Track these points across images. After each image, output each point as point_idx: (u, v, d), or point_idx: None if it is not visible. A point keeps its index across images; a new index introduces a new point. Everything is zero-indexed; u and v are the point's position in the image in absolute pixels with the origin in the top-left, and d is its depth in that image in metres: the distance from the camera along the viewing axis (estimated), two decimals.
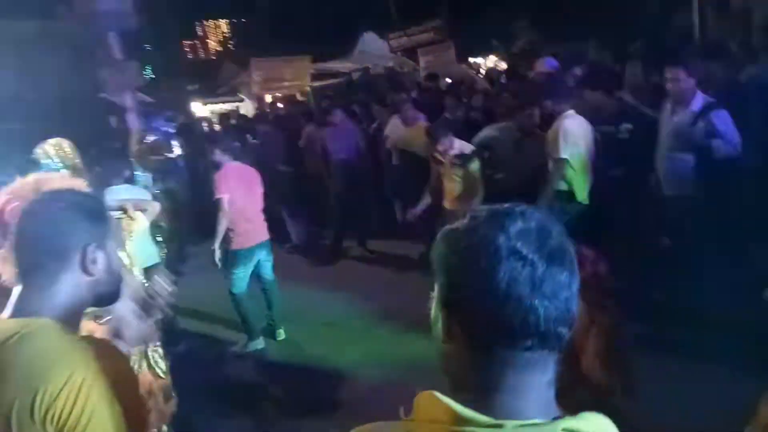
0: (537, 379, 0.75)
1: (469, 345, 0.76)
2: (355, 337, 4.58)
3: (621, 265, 4.31)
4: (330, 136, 6.61)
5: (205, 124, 10.97)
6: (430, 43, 12.43)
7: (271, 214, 7.18)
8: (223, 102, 13.61)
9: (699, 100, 3.72)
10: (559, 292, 0.72)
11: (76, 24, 8.09)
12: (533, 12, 13.84)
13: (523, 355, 0.73)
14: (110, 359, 1.19)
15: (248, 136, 7.73)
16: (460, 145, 4.86)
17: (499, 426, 0.70)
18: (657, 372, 3.17)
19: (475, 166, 4.77)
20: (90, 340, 1.27)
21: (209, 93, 14.59)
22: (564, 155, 4.00)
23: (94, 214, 1.28)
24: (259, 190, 4.71)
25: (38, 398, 1.07)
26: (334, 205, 6.67)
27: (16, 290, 1.22)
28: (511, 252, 0.72)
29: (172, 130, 6.79)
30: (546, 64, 6.02)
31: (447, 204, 4.98)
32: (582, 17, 11.47)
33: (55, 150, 3.05)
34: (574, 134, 4.02)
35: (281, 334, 4.74)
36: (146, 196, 3.76)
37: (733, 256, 3.68)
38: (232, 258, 4.52)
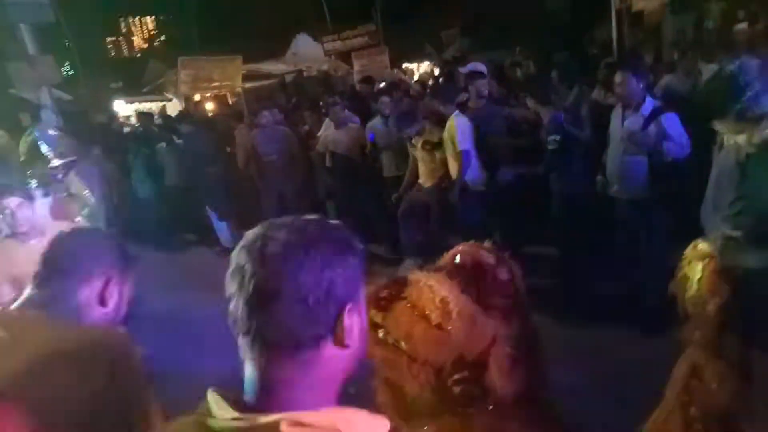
0: (262, 373, 0.84)
1: None
2: None
3: (563, 265, 4.57)
4: (260, 137, 6.49)
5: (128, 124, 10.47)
6: (363, 48, 12.47)
7: (198, 216, 7.01)
8: (150, 101, 13.06)
9: (649, 104, 3.82)
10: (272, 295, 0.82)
11: None
12: (463, 20, 14.19)
13: (245, 347, 0.86)
14: None
15: (174, 137, 7.44)
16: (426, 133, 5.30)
17: (239, 419, 0.80)
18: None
19: (441, 150, 5.15)
20: None
21: (134, 92, 13.97)
22: (467, 147, 4.74)
23: (125, 256, 1.40)
24: None
25: None
26: (266, 207, 6.54)
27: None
28: (236, 265, 0.88)
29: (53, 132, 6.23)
30: (469, 67, 6.18)
31: (422, 181, 5.41)
32: (509, 27, 11.88)
33: None
34: (467, 128, 4.77)
35: None
36: None
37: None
38: None
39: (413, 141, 5.37)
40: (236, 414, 0.80)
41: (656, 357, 2.03)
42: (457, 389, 1.68)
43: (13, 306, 1.26)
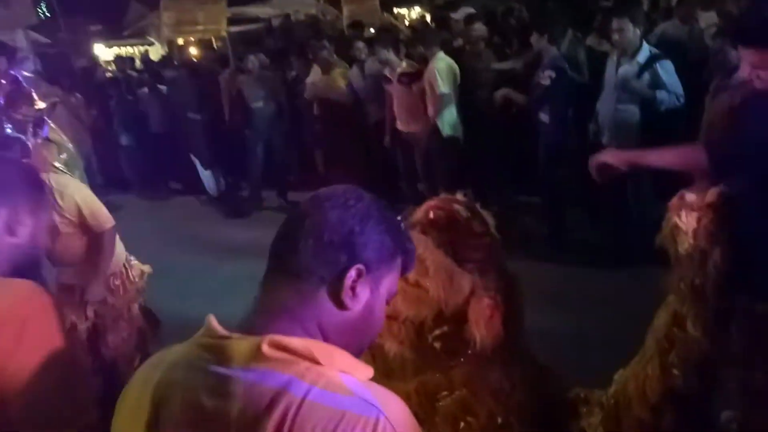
0: (265, 295, 0.89)
1: None
2: None
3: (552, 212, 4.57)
4: (246, 83, 6.32)
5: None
6: None
7: (183, 164, 6.89)
8: (131, 45, 12.65)
9: (645, 52, 3.74)
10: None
11: None
12: None
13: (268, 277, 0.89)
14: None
15: (156, 82, 7.21)
16: (404, 66, 5.14)
17: (227, 338, 0.84)
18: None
19: (420, 85, 4.94)
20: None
21: (115, 35, 13.50)
22: (445, 90, 4.69)
23: (34, 182, 1.33)
24: None
25: None
26: (252, 155, 6.43)
27: None
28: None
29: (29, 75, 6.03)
30: (463, 12, 6.03)
31: (400, 125, 5.25)
32: None
33: None
34: (445, 72, 4.73)
35: None
36: None
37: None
38: None
39: (389, 75, 5.23)
40: (226, 333, 0.84)
41: (640, 305, 2.04)
42: (438, 345, 1.68)
43: None
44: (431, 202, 1.83)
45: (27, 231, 1.24)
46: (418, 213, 1.82)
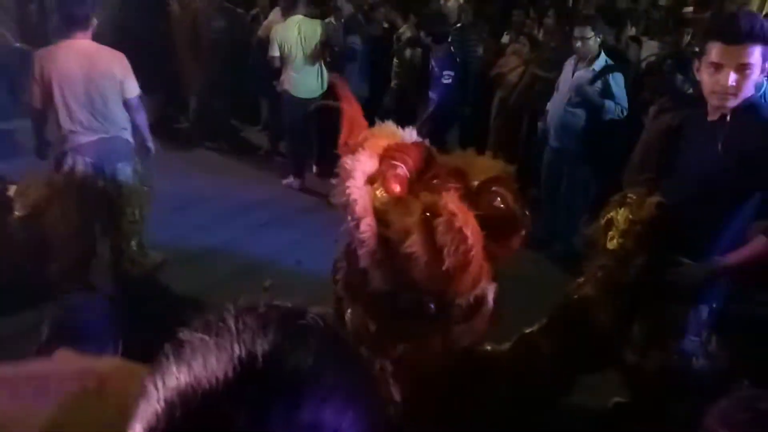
0: None
1: None
2: None
3: None
4: (203, 11, 5.95)
5: None
6: None
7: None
8: None
9: (602, 60, 3.93)
10: None
11: None
12: None
13: None
14: None
15: None
16: None
17: None
18: None
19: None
20: None
21: None
22: (273, 53, 4.91)
23: None
24: None
25: None
26: (194, 90, 6.13)
27: None
28: None
29: None
30: None
31: None
32: None
33: None
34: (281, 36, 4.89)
35: None
36: None
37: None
38: None
39: None
40: None
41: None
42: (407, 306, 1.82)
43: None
44: (499, 189, 1.85)
45: None
46: (483, 194, 1.84)
